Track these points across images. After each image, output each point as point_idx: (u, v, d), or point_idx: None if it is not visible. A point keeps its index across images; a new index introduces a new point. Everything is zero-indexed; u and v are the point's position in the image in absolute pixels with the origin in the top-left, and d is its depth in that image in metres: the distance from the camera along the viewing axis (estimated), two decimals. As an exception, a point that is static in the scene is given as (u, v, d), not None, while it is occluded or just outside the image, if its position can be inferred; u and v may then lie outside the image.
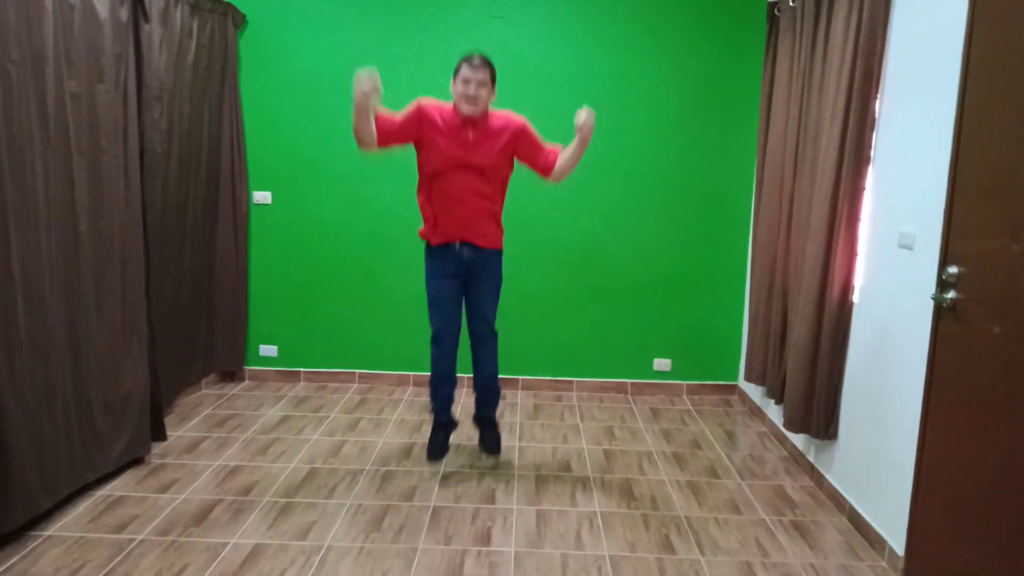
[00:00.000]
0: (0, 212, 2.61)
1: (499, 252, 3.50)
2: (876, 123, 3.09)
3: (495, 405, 3.71)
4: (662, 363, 4.80)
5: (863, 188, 3.13)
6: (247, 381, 4.82)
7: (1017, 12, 2.18)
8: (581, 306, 4.74)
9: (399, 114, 3.24)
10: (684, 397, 4.80)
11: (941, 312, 2.51)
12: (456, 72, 3.23)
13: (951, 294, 2.43)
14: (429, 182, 3.34)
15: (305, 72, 4.55)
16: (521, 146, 3.37)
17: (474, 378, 3.65)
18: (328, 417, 4.24)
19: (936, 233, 2.58)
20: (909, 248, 2.79)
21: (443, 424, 3.64)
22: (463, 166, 3.27)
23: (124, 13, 3.32)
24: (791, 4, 3.86)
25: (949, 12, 2.56)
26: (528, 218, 4.61)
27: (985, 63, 2.34)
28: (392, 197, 4.60)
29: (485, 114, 3.28)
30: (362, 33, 4.51)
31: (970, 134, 2.41)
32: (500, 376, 4.72)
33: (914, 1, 2.84)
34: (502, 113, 3.37)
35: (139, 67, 3.46)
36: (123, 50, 3.32)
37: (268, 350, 4.82)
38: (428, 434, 3.74)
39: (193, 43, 4.05)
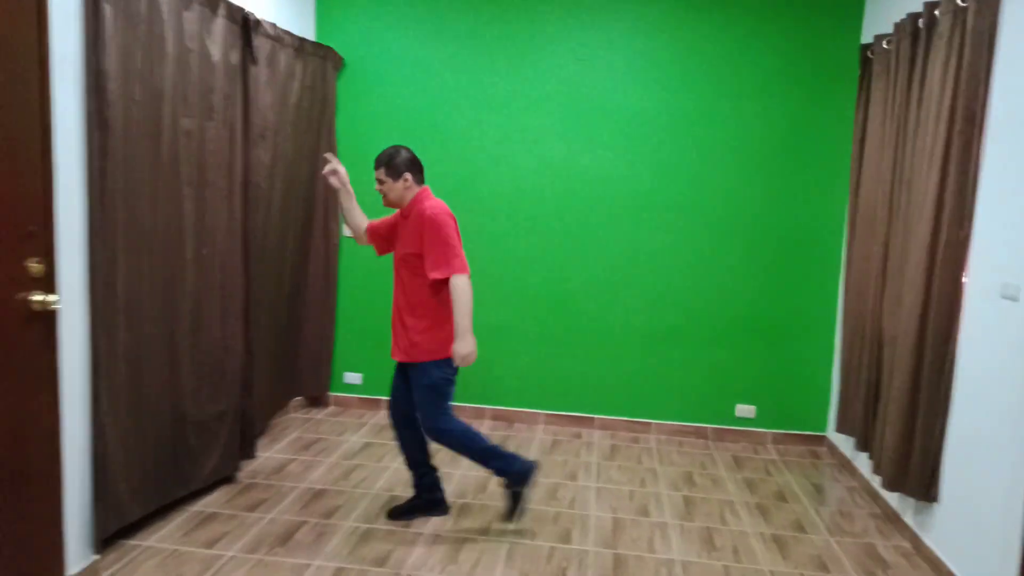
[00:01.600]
0: (111, 236, 2.80)
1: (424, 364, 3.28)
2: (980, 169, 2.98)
3: (485, 467, 3.26)
4: (745, 409, 4.68)
5: (968, 236, 3.00)
6: (332, 407, 4.95)
7: None
8: (662, 347, 4.68)
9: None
10: (769, 446, 4.65)
11: (1052, 368, 2.37)
12: None
13: (1063, 349, 2.30)
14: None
15: (397, 111, 4.72)
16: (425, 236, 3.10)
17: None
18: (407, 447, 4.30)
19: (1046, 284, 2.45)
20: (1014, 299, 2.65)
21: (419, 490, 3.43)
22: (398, 259, 3.24)
23: (235, 56, 3.55)
24: (885, 46, 3.78)
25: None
26: (609, 255, 4.62)
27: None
28: (474, 233, 4.70)
29: (412, 205, 3.19)
30: (452, 76, 4.66)
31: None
32: (576, 414, 4.76)
33: (1021, 46, 2.74)
34: (422, 202, 3.17)
35: (246, 106, 3.68)
36: (232, 90, 3.54)
37: (352, 377, 4.95)
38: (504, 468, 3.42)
39: (296, 84, 4.27)
